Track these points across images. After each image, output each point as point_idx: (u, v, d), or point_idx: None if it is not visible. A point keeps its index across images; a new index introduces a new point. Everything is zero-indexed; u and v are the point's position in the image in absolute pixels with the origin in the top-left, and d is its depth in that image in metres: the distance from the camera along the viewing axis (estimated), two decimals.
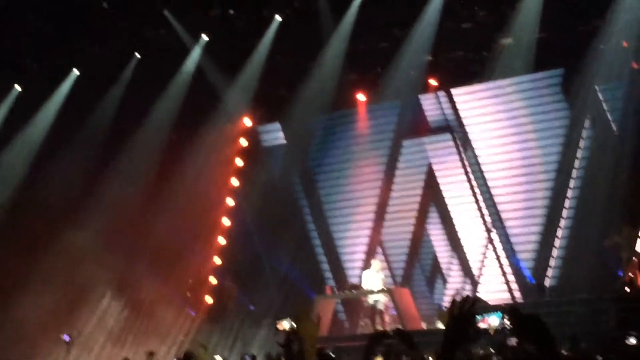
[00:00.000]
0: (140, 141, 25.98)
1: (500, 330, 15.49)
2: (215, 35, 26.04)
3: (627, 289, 20.26)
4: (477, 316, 4.27)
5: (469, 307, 4.06)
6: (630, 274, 20.05)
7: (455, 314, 4.02)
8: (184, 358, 10.41)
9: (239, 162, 28.24)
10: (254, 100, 26.57)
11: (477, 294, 22.90)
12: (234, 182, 28.10)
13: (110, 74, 25.92)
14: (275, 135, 28.23)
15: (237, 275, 25.83)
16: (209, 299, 26.73)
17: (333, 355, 12.71)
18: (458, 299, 4.05)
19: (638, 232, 20.23)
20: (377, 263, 23.12)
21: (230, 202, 27.99)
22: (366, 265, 25.14)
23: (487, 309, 17.35)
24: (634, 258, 20.01)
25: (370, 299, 22.11)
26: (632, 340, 12.23)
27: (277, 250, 26.46)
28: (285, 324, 20.10)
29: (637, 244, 20.15)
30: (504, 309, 16.62)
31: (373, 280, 22.29)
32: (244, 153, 28.36)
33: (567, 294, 21.31)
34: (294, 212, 27.34)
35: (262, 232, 27.33)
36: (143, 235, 24.81)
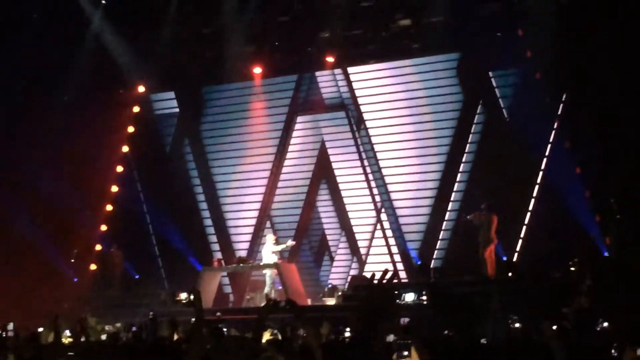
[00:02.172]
0: (35, 104, 25.33)
1: (414, 307, 15.54)
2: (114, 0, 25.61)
3: (510, 273, 20.68)
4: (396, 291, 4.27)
5: (389, 280, 4.05)
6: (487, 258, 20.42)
7: (376, 285, 4.00)
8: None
9: (130, 128, 27.81)
10: (149, 68, 26.14)
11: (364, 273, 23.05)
12: (124, 148, 27.68)
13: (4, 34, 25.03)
14: (169, 103, 27.87)
15: (123, 242, 25.43)
16: (94, 266, 26.30)
17: (225, 330, 12.68)
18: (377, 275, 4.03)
19: (494, 217, 20.47)
20: (271, 236, 23.30)
21: (119, 168, 27.56)
22: (254, 239, 25.31)
23: (405, 285, 17.47)
24: (490, 245, 20.34)
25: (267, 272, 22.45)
26: (517, 325, 12.50)
27: (165, 219, 26.20)
28: (183, 296, 21.81)
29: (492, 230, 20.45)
30: (423, 286, 16.68)
31: (271, 254, 22.63)
32: (136, 120, 27.93)
33: (450, 275, 21.66)
34: (184, 182, 27.09)
35: (151, 201, 27.05)
36: (32, 199, 24.27)
